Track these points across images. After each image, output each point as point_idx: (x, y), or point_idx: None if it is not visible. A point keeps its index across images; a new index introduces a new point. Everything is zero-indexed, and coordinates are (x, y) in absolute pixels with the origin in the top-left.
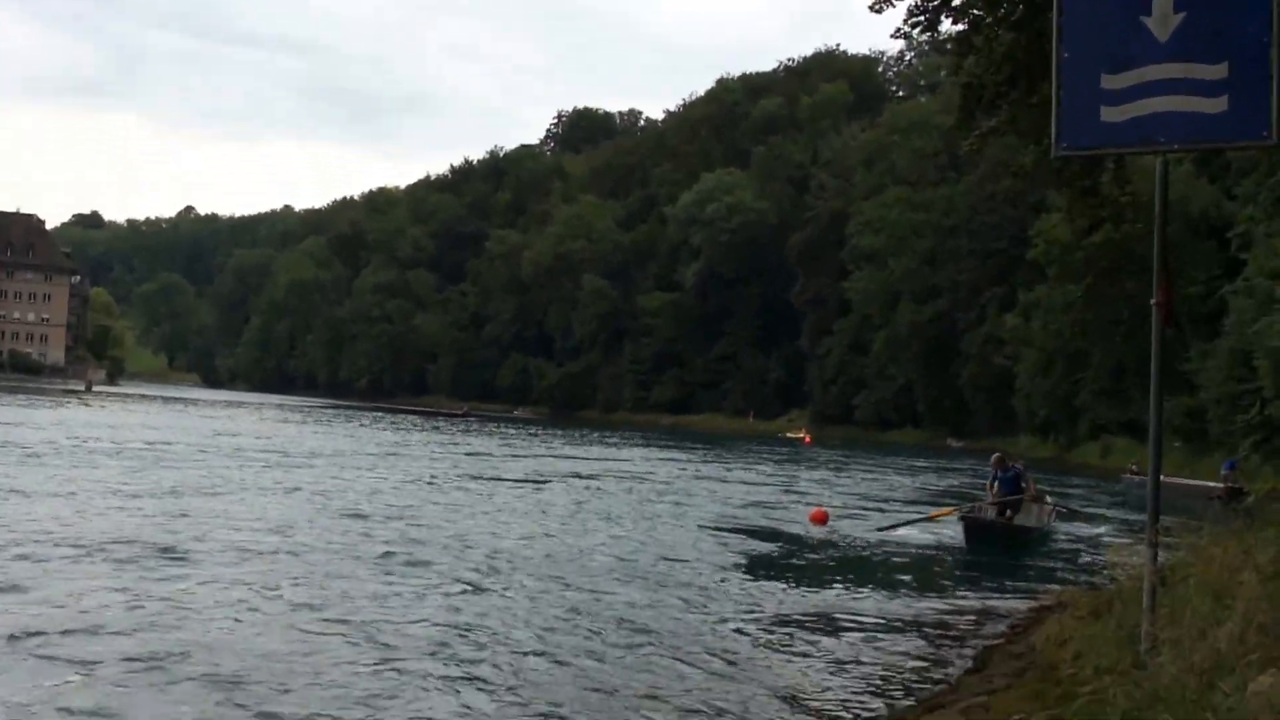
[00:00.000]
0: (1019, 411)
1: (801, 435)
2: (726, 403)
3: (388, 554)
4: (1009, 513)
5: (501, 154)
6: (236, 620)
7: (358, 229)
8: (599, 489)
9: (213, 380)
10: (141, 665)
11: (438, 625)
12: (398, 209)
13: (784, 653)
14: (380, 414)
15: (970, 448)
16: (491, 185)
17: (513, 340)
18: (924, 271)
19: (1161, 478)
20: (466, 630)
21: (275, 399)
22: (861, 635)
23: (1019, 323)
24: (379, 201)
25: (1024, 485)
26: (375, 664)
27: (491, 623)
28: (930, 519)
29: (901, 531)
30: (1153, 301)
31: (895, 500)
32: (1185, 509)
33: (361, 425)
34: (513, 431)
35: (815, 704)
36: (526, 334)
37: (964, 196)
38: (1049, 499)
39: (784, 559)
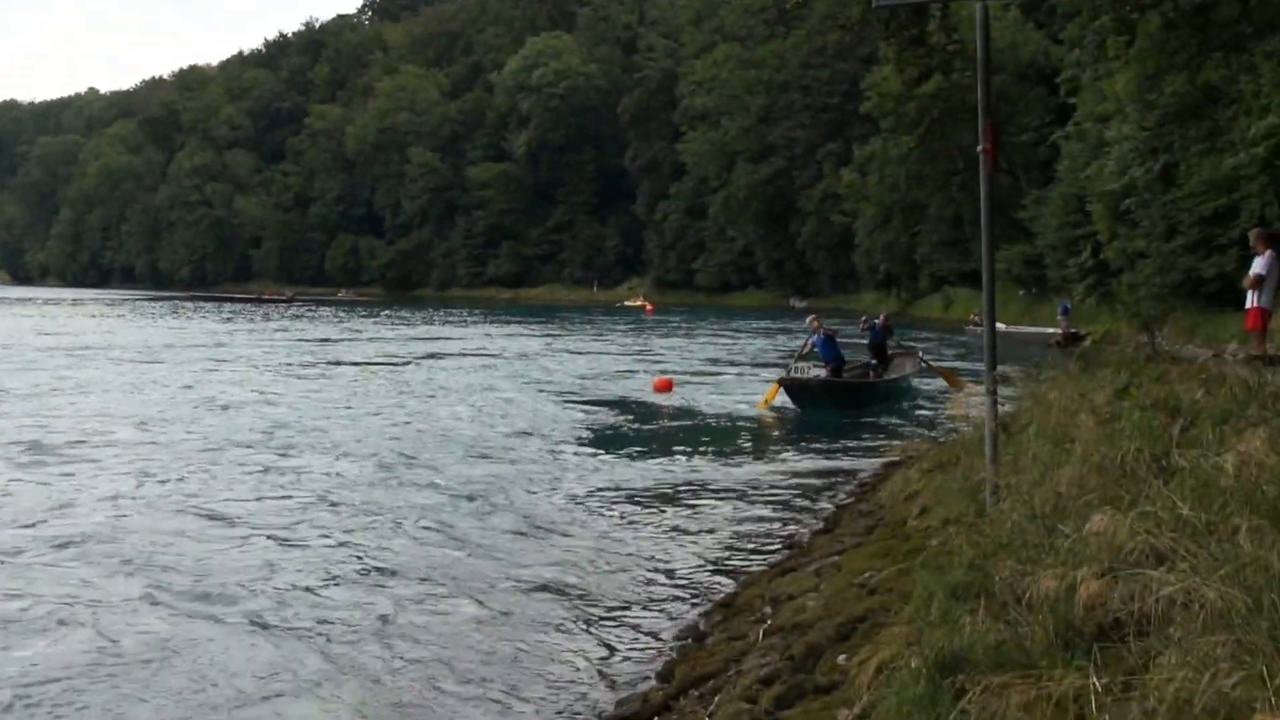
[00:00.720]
0: (860, 268)
1: (641, 304)
2: (565, 274)
3: (253, 443)
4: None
5: (318, 25)
6: (119, 511)
7: (170, 110)
8: (440, 369)
9: (21, 276)
10: (43, 550)
11: (301, 511)
12: (211, 87)
13: (634, 525)
14: (203, 303)
15: (814, 307)
16: (309, 59)
17: (340, 220)
18: (759, 130)
19: (1001, 326)
20: (331, 508)
21: (92, 294)
22: (711, 504)
23: (855, 178)
24: (191, 80)
25: (887, 341)
26: (261, 550)
27: (355, 499)
28: (765, 402)
29: (744, 402)
30: (979, 149)
31: (741, 363)
32: (1027, 358)
33: (187, 317)
34: (344, 315)
35: (667, 575)
36: (354, 213)
37: (795, 51)
38: (922, 354)
39: (631, 430)
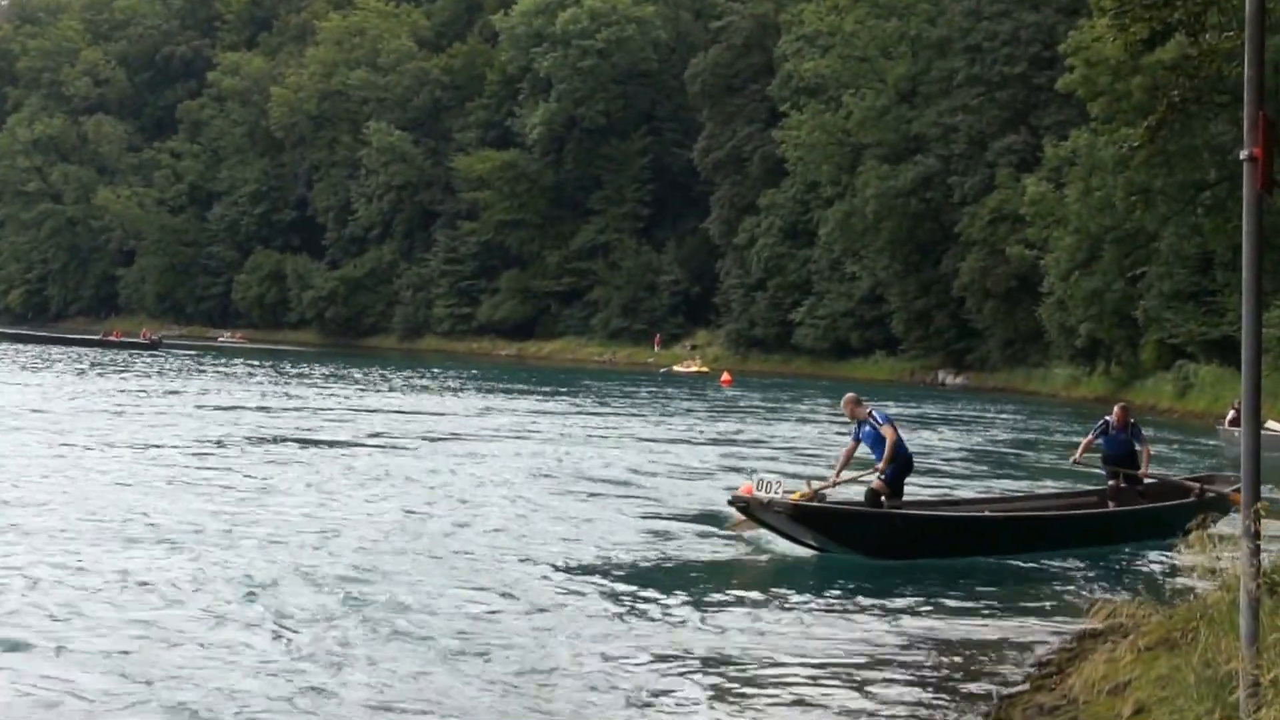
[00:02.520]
0: (1049, 328)
1: (697, 368)
2: (596, 323)
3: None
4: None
5: None
6: None
7: (2, 51)
8: (439, 468)
9: None
10: None
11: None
12: (64, 20)
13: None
14: (15, 344)
15: (974, 385)
16: None
17: (258, 229)
18: (899, 113)
19: (1274, 426)
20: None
21: None
22: (812, 677)
23: (1046, 190)
24: (33, 9)
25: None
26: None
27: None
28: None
29: None
30: (1243, 154)
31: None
32: None
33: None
34: (242, 372)
35: None
36: (279, 219)
37: None
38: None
39: (718, 569)
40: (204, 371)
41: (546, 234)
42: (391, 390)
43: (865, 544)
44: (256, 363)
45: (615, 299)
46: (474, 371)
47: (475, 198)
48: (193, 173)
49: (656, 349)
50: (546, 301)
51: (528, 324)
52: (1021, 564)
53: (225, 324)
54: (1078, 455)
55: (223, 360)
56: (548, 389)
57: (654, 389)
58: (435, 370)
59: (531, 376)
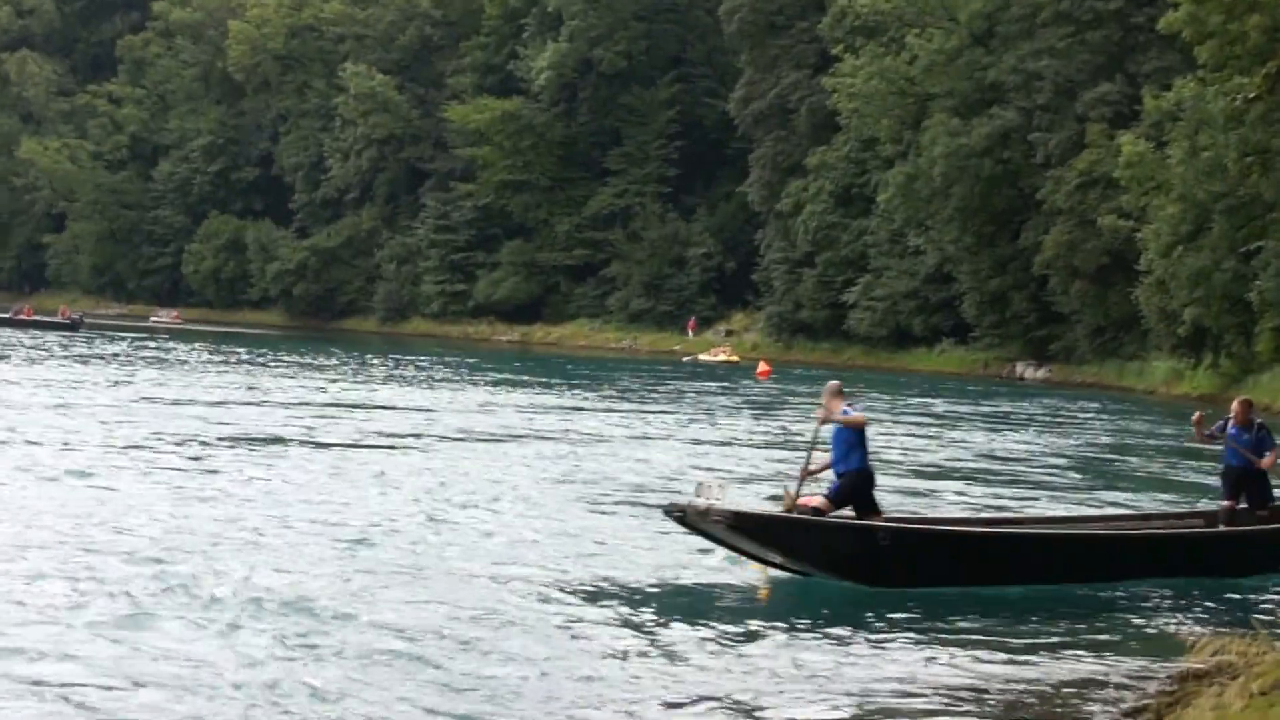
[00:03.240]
0: (1146, 313)
1: (727, 358)
2: (613, 304)
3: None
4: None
5: None
6: None
7: None
8: (432, 472)
9: None
10: None
11: None
12: None
13: None
14: None
15: (1058, 380)
16: None
17: (213, 190)
18: (971, 57)
19: None
20: None
21: None
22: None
23: (1145, 150)
24: None
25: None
26: None
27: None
28: None
29: None
30: None
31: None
32: None
33: None
34: (186, 356)
35: None
36: (238, 178)
37: None
38: None
39: (741, 593)
40: (132, 359)
41: (555, 198)
42: (371, 381)
43: (837, 565)
44: (201, 347)
45: (636, 276)
46: (471, 361)
47: (471, 155)
48: (135, 122)
49: (691, 335)
50: (555, 278)
51: (533, 305)
52: (1102, 591)
53: (175, 302)
54: (1201, 432)
55: (155, 344)
56: (553, 381)
57: (677, 381)
58: (423, 358)
59: (537, 367)
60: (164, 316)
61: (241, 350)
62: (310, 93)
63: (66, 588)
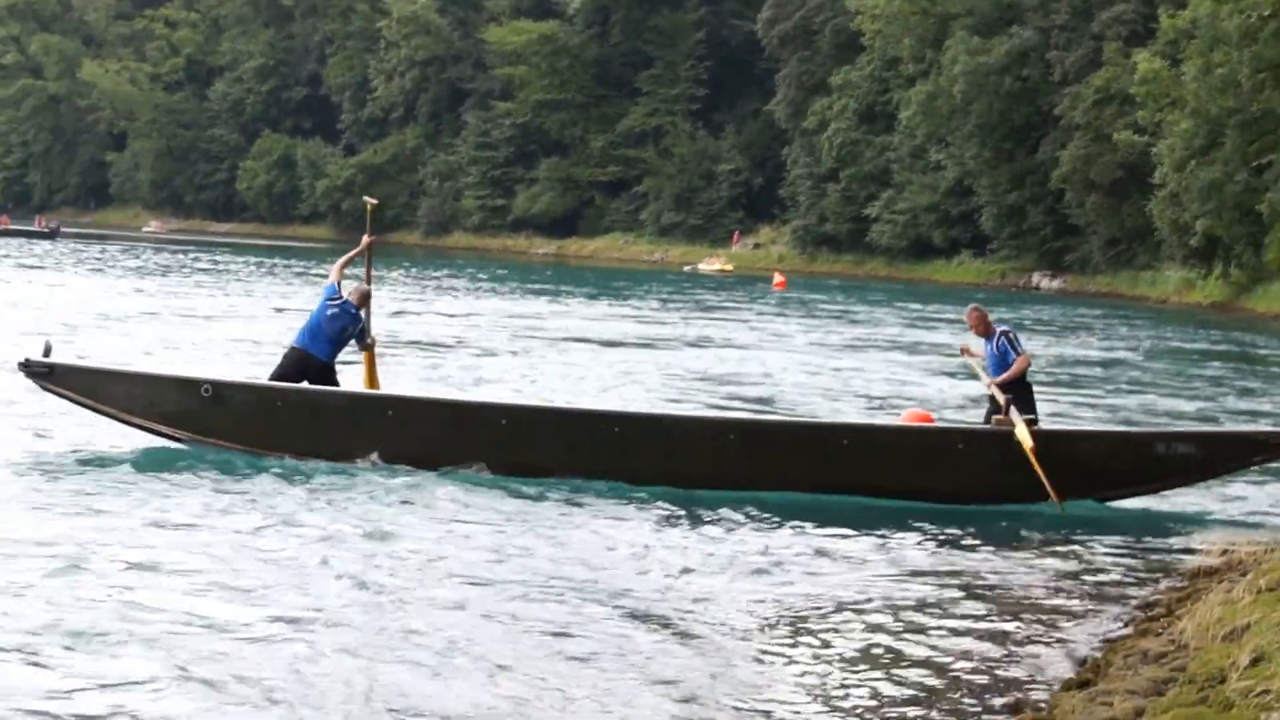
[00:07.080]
0: (1160, 225)
1: (721, 269)
2: (646, 217)
3: None
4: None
5: None
6: None
7: None
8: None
9: None
10: None
11: None
12: None
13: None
14: None
15: (1073, 290)
16: None
17: (265, 109)
18: None
19: None
20: None
21: None
22: (893, 625)
23: (1160, 67)
24: None
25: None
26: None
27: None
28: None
29: None
30: None
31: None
32: None
33: None
34: (190, 263)
35: None
36: (288, 98)
37: None
38: None
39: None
40: (114, 266)
41: (590, 116)
42: (414, 294)
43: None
44: (202, 253)
45: (667, 190)
46: (513, 275)
47: (509, 75)
48: (190, 44)
49: (734, 248)
50: (590, 193)
51: (568, 219)
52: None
53: (230, 217)
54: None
55: (141, 250)
56: (617, 290)
57: (685, 291)
58: (466, 271)
59: (583, 280)
60: (155, 227)
61: (299, 260)
62: (355, 16)
63: None
